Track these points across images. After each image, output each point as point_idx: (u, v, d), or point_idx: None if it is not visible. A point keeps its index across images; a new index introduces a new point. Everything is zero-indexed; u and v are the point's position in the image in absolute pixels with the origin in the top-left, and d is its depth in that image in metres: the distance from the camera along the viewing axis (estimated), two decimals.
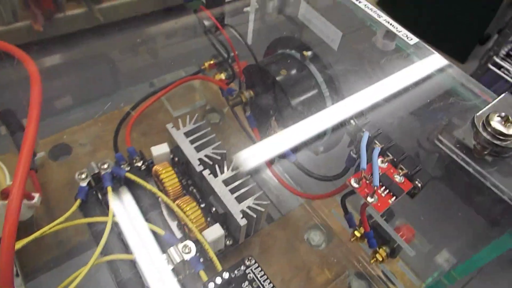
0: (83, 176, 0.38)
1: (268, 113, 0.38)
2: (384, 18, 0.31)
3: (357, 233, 0.39)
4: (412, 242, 0.40)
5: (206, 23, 0.40)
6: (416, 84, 0.35)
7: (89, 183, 0.39)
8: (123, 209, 0.38)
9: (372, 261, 0.38)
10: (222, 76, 0.49)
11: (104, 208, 0.39)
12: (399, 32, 0.30)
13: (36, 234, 0.34)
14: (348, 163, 0.35)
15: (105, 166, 0.39)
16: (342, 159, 0.39)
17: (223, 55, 0.45)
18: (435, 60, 0.35)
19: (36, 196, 0.36)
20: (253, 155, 0.37)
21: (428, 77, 0.36)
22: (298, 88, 0.36)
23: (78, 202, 0.37)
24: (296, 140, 0.38)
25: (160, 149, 0.42)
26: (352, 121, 0.33)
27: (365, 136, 0.31)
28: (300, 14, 0.36)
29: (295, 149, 0.39)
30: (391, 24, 0.31)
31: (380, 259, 0.38)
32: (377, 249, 0.38)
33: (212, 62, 0.50)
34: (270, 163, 0.41)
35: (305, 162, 0.41)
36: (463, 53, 1.36)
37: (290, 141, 0.36)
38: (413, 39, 0.30)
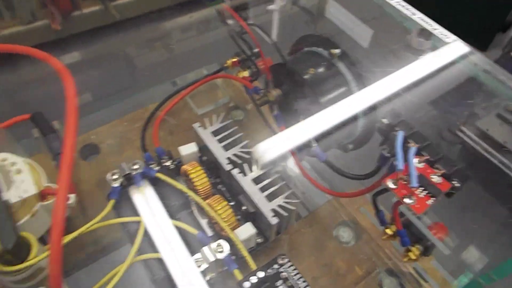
0: (115, 176, 0.39)
1: (296, 112, 0.38)
2: (418, 16, 0.30)
3: (389, 231, 0.38)
4: (445, 240, 0.40)
5: (230, 22, 0.40)
6: (436, 72, 0.35)
7: (121, 183, 0.40)
8: (154, 209, 0.39)
9: (405, 259, 0.38)
10: (246, 73, 0.49)
11: (136, 207, 0.40)
12: (435, 30, 0.30)
13: (74, 234, 0.35)
14: (381, 162, 0.34)
15: (136, 166, 0.40)
16: (371, 156, 0.39)
17: (247, 53, 0.45)
18: (456, 47, 0.34)
19: (72, 196, 0.37)
20: (274, 147, 0.37)
21: (449, 65, 0.35)
22: (326, 87, 0.35)
23: (112, 202, 0.38)
24: (321, 135, 0.38)
25: (188, 149, 0.42)
26: (384, 120, 0.33)
27: (400, 136, 0.30)
28: (328, 12, 0.36)
29: (324, 146, 0.38)
30: (426, 22, 0.30)
31: (414, 257, 0.37)
32: (410, 247, 0.38)
33: (235, 59, 0.50)
34: (299, 160, 0.41)
35: (331, 158, 0.41)
36: (484, 41, 1.33)
37: (312, 133, 0.36)
38: (449, 37, 0.29)
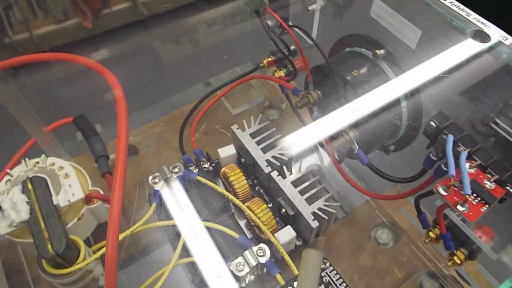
0: (157, 180, 0.40)
1: (337, 112, 0.37)
2: (474, 17, 0.29)
3: (432, 235, 0.38)
4: (490, 243, 0.39)
5: (270, 23, 0.40)
6: (460, 63, 0.33)
7: (162, 186, 0.40)
8: (194, 213, 0.39)
9: (449, 263, 0.37)
10: (282, 73, 0.49)
11: (175, 211, 0.40)
12: (493, 31, 0.28)
13: (120, 237, 0.35)
14: (427, 165, 0.33)
15: (176, 169, 0.40)
16: (413, 158, 0.38)
17: (284, 53, 0.44)
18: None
19: None
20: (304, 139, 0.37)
21: (479, 54, 0.33)
22: (370, 88, 0.35)
23: (154, 206, 0.38)
24: (362, 136, 0.37)
25: (227, 151, 0.42)
26: (431, 123, 0.32)
27: (450, 140, 0.29)
28: (372, 11, 0.35)
29: (367, 148, 0.38)
30: (482, 23, 0.28)
31: (459, 262, 0.36)
32: (455, 251, 0.37)
33: (270, 59, 0.50)
34: (338, 162, 0.41)
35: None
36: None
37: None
38: (508, 39, 0.28)
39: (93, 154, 0.44)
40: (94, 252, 0.36)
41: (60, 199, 0.35)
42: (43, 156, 0.37)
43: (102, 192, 0.39)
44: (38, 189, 0.33)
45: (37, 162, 0.37)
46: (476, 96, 0.37)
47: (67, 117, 0.47)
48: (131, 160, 0.50)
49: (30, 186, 0.33)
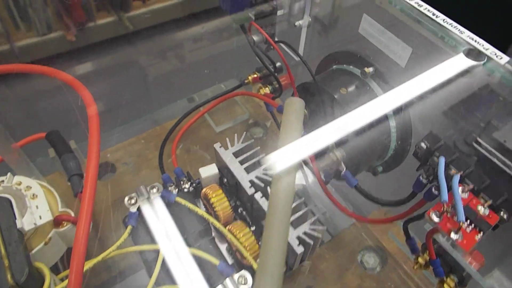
0: (133, 201, 0.37)
1: (323, 132, 0.36)
2: (467, 34, 0.28)
3: (421, 260, 0.36)
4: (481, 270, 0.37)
5: (256, 38, 0.38)
6: (449, 80, 0.32)
7: (138, 208, 0.37)
8: (172, 236, 0.37)
9: None
10: (267, 90, 0.47)
11: (153, 234, 0.38)
12: (486, 50, 0.27)
13: (90, 263, 0.33)
14: (416, 188, 0.32)
15: (154, 190, 0.37)
16: (402, 180, 0.36)
17: (270, 70, 0.43)
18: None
19: None
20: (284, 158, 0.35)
21: (471, 73, 0.32)
22: (355, 104, 0.33)
23: (129, 228, 0.36)
24: (350, 156, 0.35)
25: (208, 171, 0.40)
26: (422, 144, 0.30)
27: (442, 162, 0.28)
28: (361, 28, 0.34)
29: (355, 169, 0.36)
30: (476, 41, 0.27)
31: None
32: (444, 278, 0.35)
33: (256, 75, 0.48)
34: (325, 183, 0.39)
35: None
36: (505, 41, 1.27)
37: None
38: (503, 58, 0.27)
39: (66, 172, 0.41)
40: (62, 280, 0.33)
41: (25, 222, 0.32)
42: (9, 174, 0.34)
43: (73, 214, 0.36)
44: (0, 212, 0.31)
45: (2, 181, 0.34)
46: (461, 115, 0.36)
47: (42, 132, 0.45)
48: (108, 178, 0.47)
49: None
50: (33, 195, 0.34)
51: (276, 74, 0.44)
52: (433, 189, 0.30)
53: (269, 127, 0.52)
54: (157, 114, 0.53)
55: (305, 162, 0.47)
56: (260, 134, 0.51)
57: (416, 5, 0.29)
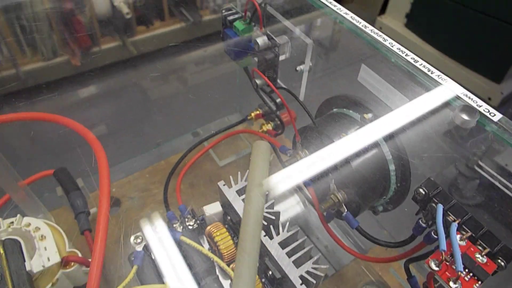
0: (139, 240, 0.38)
1: (325, 174, 0.37)
2: (461, 91, 0.29)
3: None
4: None
5: (259, 81, 0.40)
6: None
7: (145, 247, 0.38)
8: (178, 275, 0.37)
9: None
10: (270, 126, 0.48)
11: (160, 273, 0.38)
12: (480, 106, 0.28)
13: None
14: (416, 232, 0.33)
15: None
16: (402, 220, 0.37)
17: (273, 110, 0.44)
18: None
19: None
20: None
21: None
22: (359, 152, 0.34)
23: (134, 269, 0.36)
24: (350, 199, 0.36)
25: (212, 209, 0.41)
26: (421, 190, 0.31)
27: (440, 210, 0.29)
28: (360, 76, 0.35)
29: (355, 208, 0.37)
30: (469, 98, 0.29)
31: None
32: None
33: (258, 112, 0.49)
34: (326, 221, 0.40)
35: (359, 218, 0.39)
36: (499, 72, 1.31)
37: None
38: (496, 115, 0.28)
39: (73, 209, 0.42)
40: None
41: (34, 265, 0.32)
42: (18, 216, 0.35)
43: (79, 254, 0.37)
44: (10, 254, 0.31)
45: (12, 223, 0.35)
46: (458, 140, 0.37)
47: (49, 169, 0.46)
48: (113, 213, 0.48)
49: (2, 251, 0.31)
50: (42, 236, 0.34)
51: (278, 112, 0.45)
52: (432, 233, 0.31)
53: (271, 161, 0.53)
54: (162, 148, 0.54)
55: (307, 199, 0.48)
56: None
57: (412, 61, 0.31)
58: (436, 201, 0.30)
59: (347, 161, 0.35)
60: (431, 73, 0.30)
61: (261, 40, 0.36)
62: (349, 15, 0.35)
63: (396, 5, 1.48)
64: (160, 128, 0.64)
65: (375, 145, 0.34)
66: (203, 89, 0.95)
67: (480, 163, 0.46)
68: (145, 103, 1.07)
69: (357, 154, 0.35)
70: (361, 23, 0.33)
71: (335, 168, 0.36)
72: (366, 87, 0.34)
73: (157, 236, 0.38)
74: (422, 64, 0.31)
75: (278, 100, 0.46)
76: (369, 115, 0.34)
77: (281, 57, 0.37)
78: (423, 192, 0.31)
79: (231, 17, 0.39)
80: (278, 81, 0.41)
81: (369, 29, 0.33)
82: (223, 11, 0.40)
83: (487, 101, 1.33)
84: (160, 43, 1.33)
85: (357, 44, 0.33)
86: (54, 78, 1.18)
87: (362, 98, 0.35)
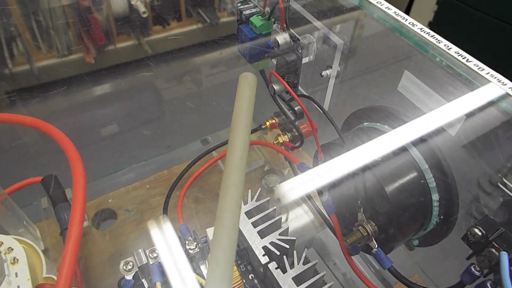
0: (129, 267, 0.32)
1: (352, 201, 0.30)
2: None
3: None
4: None
5: (276, 87, 0.33)
6: (471, 112, 0.26)
7: (135, 275, 0.32)
8: None
9: None
10: (286, 138, 0.42)
11: None
12: None
13: None
14: (466, 279, 0.26)
15: (155, 254, 0.32)
16: (442, 258, 0.30)
17: (291, 120, 0.38)
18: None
19: None
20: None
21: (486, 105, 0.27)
22: (395, 176, 0.28)
23: None
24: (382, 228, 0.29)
25: None
26: (476, 230, 0.24)
27: (505, 260, 0.22)
28: (401, 85, 0.28)
29: (386, 248, 0.30)
30: None
31: None
32: None
33: (274, 121, 0.43)
34: (349, 254, 0.33)
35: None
36: None
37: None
38: None
39: (59, 224, 0.36)
40: None
41: None
42: None
43: None
44: None
45: None
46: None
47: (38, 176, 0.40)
48: (107, 227, 0.42)
49: None
50: (14, 259, 0.29)
51: (296, 123, 0.39)
52: (488, 285, 0.24)
53: (286, 175, 0.47)
54: (165, 156, 0.48)
55: (326, 220, 0.41)
56: (277, 183, 0.46)
57: (476, 68, 0.24)
58: (496, 246, 0.24)
59: (380, 187, 0.28)
60: (503, 84, 0.23)
61: (282, 39, 0.30)
62: (392, 9, 0.28)
63: (419, 12, 1.41)
64: (167, 132, 0.58)
65: (416, 169, 0.28)
66: (215, 92, 0.88)
67: (505, 180, 0.39)
68: (155, 105, 1.02)
69: (393, 179, 0.28)
70: (407, 20, 0.27)
71: (364, 193, 0.29)
72: (407, 98, 0.27)
73: (151, 263, 0.32)
74: (492, 74, 0.24)
75: (297, 108, 0.39)
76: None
77: (304, 60, 0.31)
78: (480, 234, 0.24)
79: (247, 12, 0.32)
80: (299, 87, 0.35)
81: (417, 27, 0.26)
82: (239, 4, 0.34)
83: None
84: (176, 43, 1.28)
85: (400, 46, 0.26)
86: (68, 75, 1.15)
87: (402, 112, 0.28)
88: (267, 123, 0.43)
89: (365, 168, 0.28)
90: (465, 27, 1.25)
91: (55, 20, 1.17)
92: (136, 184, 0.45)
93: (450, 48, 0.25)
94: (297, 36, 0.30)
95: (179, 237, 0.36)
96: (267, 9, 0.33)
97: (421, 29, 0.27)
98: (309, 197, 0.43)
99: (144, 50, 1.28)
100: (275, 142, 0.42)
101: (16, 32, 1.13)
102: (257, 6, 0.34)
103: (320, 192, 0.31)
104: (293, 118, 0.39)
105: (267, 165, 0.47)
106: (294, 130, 0.42)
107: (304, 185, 0.29)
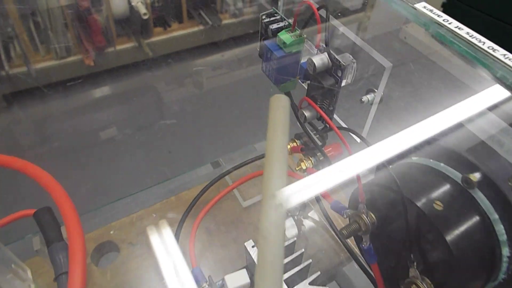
0: None
1: (399, 252, 0.25)
2: None
3: None
4: None
5: (307, 113, 0.28)
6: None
7: None
8: None
9: None
10: (310, 163, 0.37)
11: None
12: None
13: None
14: None
15: None
16: None
17: (317, 145, 0.33)
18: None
19: None
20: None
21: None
22: (457, 226, 0.23)
23: None
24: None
25: (237, 279, 0.29)
26: None
27: None
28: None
29: None
30: None
31: None
32: None
33: (295, 144, 0.38)
34: None
35: None
36: None
37: None
38: None
39: (53, 267, 0.31)
40: None
41: None
42: None
43: None
44: None
45: None
46: None
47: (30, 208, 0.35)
48: (108, 263, 0.37)
49: None
50: None
51: (323, 148, 0.34)
52: None
53: (307, 204, 0.42)
54: (174, 180, 0.42)
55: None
56: (296, 212, 0.41)
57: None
58: None
59: (438, 236, 0.23)
60: None
61: (319, 61, 0.25)
62: (442, 17, 0.23)
63: None
64: (174, 155, 0.53)
65: (483, 218, 0.23)
66: (227, 107, 0.83)
67: None
68: (159, 117, 0.96)
69: (454, 229, 0.23)
70: (463, 30, 0.21)
71: (417, 245, 0.24)
72: (471, 131, 0.22)
73: None
74: None
75: (321, 129, 0.34)
76: (477, 175, 0.22)
77: (343, 82, 0.26)
78: None
79: (274, 26, 0.27)
80: (335, 116, 0.30)
81: (475, 38, 0.21)
82: (263, 17, 0.29)
83: None
84: (177, 45, 1.24)
85: (463, 65, 0.21)
86: (66, 77, 1.10)
87: (464, 147, 0.23)
88: (288, 147, 0.38)
89: (420, 213, 0.23)
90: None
91: (53, 21, 1.12)
92: (140, 213, 0.40)
93: None
94: (338, 58, 0.25)
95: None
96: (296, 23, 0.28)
97: (479, 40, 0.22)
98: (330, 223, 0.38)
99: (145, 52, 1.23)
100: (297, 169, 0.37)
101: (14, 33, 1.07)
102: (285, 19, 0.28)
103: (359, 238, 0.26)
104: (320, 143, 0.34)
105: None
106: (319, 154, 0.37)
107: (308, 189, 0.24)
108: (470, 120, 0.23)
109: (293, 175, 0.36)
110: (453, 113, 0.22)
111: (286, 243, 0.31)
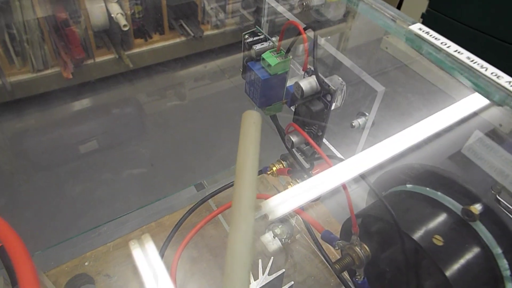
0: None
1: (396, 286, 0.23)
2: None
3: None
4: None
5: (294, 139, 0.26)
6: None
7: None
8: None
9: None
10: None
11: None
12: None
13: None
14: None
15: None
16: None
17: (305, 169, 0.31)
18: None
19: None
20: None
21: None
22: (458, 261, 0.21)
23: None
24: None
25: None
26: None
27: None
28: (465, 147, 0.22)
29: None
30: None
31: None
32: None
33: (282, 166, 0.36)
34: None
35: None
36: None
37: None
38: None
39: None
40: None
41: None
42: None
43: None
44: None
45: None
46: None
47: None
48: None
49: None
50: None
51: (310, 170, 0.32)
52: None
53: (294, 226, 0.39)
54: (154, 205, 0.39)
55: None
56: (284, 236, 0.38)
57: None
58: None
59: (438, 274, 0.21)
60: None
61: (307, 85, 0.23)
62: (439, 40, 0.22)
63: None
64: (155, 178, 0.50)
65: (485, 252, 0.21)
66: (210, 120, 0.81)
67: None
68: (139, 137, 0.93)
69: (454, 264, 0.21)
70: (463, 54, 0.20)
71: (415, 281, 0.22)
72: (471, 161, 0.21)
73: None
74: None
75: (306, 150, 0.32)
76: (478, 207, 0.21)
77: (333, 106, 0.24)
78: None
79: (258, 46, 0.25)
80: (324, 140, 0.28)
81: (477, 64, 0.19)
82: (246, 36, 0.27)
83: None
84: (159, 57, 1.21)
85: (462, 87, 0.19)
86: (44, 90, 1.05)
87: (462, 175, 0.22)
88: (274, 168, 0.36)
89: (416, 248, 0.22)
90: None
91: (29, 33, 1.07)
92: (118, 241, 0.37)
93: None
94: (327, 82, 0.23)
95: None
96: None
97: (472, 60, 0.21)
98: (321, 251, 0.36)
99: (125, 64, 1.20)
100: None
101: None
102: (269, 39, 0.26)
103: (353, 272, 0.24)
104: (307, 165, 0.32)
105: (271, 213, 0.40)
106: (306, 176, 0.34)
107: (292, 200, 0.23)
108: (479, 157, 0.22)
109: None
110: (435, 124, 0.20)
111: (275, 275, 0.29)
